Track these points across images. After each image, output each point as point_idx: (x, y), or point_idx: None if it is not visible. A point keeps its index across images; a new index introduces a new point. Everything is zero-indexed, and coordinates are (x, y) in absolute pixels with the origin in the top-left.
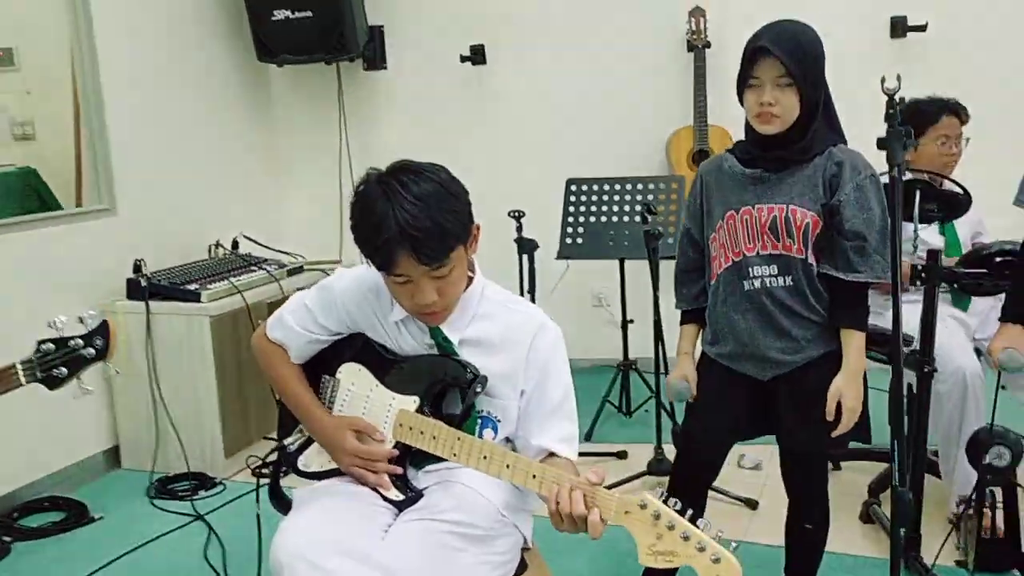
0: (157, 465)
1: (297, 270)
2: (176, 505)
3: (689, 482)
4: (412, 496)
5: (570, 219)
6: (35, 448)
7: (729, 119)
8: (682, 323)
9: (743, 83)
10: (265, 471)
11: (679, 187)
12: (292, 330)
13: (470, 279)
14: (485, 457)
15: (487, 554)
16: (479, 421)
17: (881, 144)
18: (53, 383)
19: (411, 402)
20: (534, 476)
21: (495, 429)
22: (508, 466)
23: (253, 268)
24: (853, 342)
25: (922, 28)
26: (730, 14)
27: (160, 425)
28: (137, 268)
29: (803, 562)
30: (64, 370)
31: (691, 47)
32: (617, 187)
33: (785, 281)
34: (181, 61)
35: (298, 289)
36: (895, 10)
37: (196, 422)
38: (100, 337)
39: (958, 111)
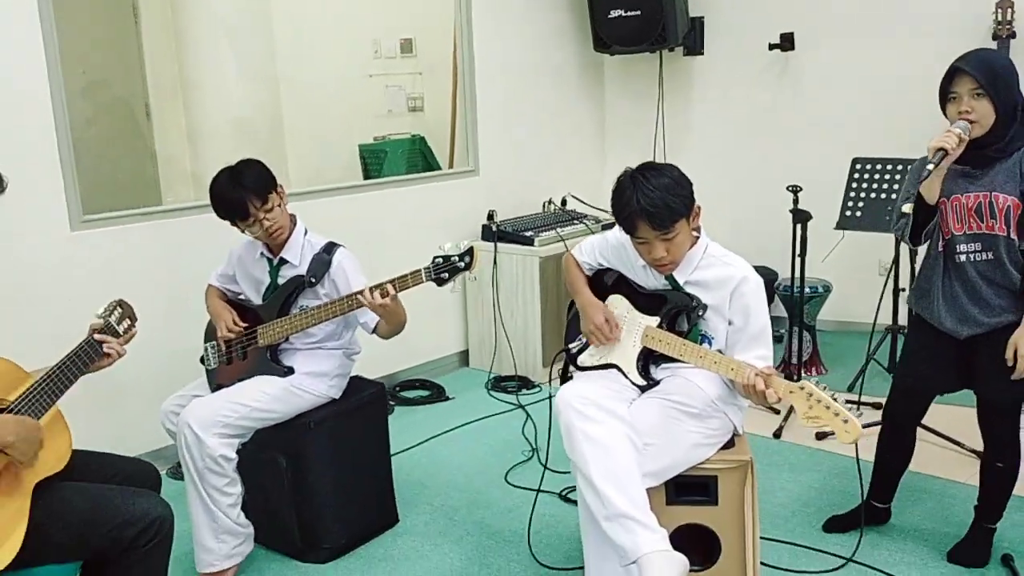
0: (494, 367)
1: (610, 225)
2: (505, 397)
3: (900, 418)
4: (651, 383)
5: (851, 194)
6: (414, 345)
7: None
8: None
9: (944, 98)
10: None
11: None
12: (585, 254)
13: (696, 240)
14: (702, 357)
15: (700, 428)
16: (700, 336)
17: None
18: (440, 282)
19: (654, 320)
20: (732, 368)
21: (710, 343)
22: (716, 362)
23: (575, 222)
24: None
25: None
26: None
27: (498, 337)
28: (490, 217)
29: (994, 497)
30: (446, 275)
31: (995, 36)
32: (900, 167)
33: (987, 256)
34: (534, 51)
35: None
36: None
37: (523, 337)
38: (468, 256)
39: None
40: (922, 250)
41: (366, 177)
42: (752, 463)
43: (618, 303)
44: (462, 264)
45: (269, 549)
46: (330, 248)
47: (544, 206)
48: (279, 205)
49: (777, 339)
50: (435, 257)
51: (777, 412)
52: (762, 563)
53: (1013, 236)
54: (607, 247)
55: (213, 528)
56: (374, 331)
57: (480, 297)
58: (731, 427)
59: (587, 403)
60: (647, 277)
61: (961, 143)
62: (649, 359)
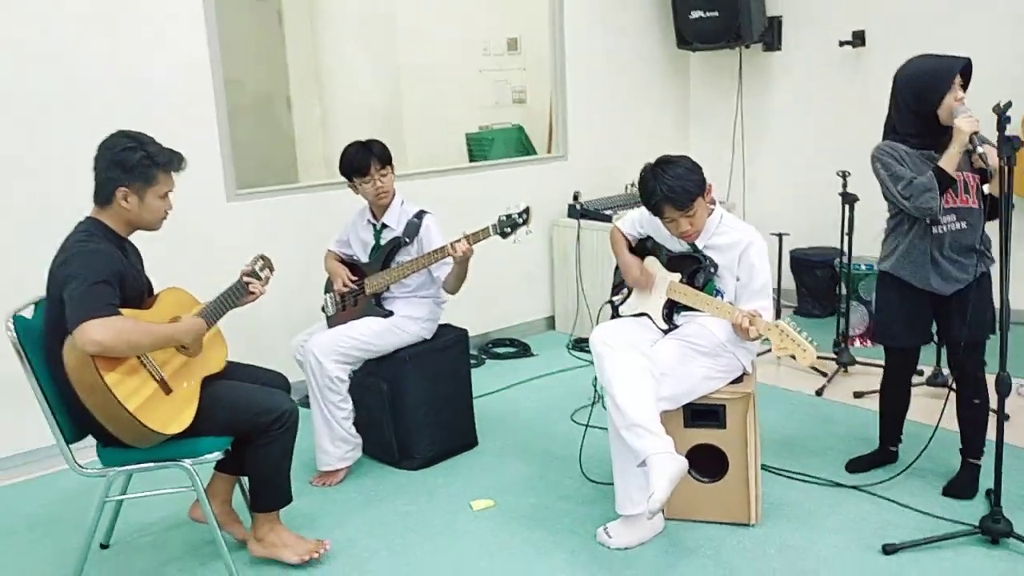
0: (575, 330)
1: None
2: (583, 355)
3: (899, 375)
4: (672, 327)
5: None
6: (507, 309)
7: None
8: None
9: (946, 90)
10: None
11: None
12: (627, 226)
13: (712, 211)
14: (708, 304)
15: (711, 364)
16: (714, 290)
17: None
18: (504, 235)
19: (678, 277)
20: (728, 312)
21: (722, 295)
22: (718, 308)
23: None
24: None
25: None
26: None
27: (580, 305)
28: (575, 197)
29: (975, 433)
30: (509, 229)
31: None
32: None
33: (961, 225)
34: (621, 48)
35: None
36: None
37: (602, 304)
38: (526, 214)
39: None
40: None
41: (471, 161)
42: (754, 396)
43: (652, 263)
44: (521, 220)
45: (373, 458)
46: (420, 215)
47: (626, 188)
48: (391, 174)
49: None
50: (500, 216)
51: (824, 374)
52: (798, 477)
53: (978, 206)
54: (644, 219)
55: (330, 435)
56: (444, 284)
57: (565, 269)
58: (740, 366)
59: (614, 338)
60: (674, 243)
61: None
62: (673, 308)
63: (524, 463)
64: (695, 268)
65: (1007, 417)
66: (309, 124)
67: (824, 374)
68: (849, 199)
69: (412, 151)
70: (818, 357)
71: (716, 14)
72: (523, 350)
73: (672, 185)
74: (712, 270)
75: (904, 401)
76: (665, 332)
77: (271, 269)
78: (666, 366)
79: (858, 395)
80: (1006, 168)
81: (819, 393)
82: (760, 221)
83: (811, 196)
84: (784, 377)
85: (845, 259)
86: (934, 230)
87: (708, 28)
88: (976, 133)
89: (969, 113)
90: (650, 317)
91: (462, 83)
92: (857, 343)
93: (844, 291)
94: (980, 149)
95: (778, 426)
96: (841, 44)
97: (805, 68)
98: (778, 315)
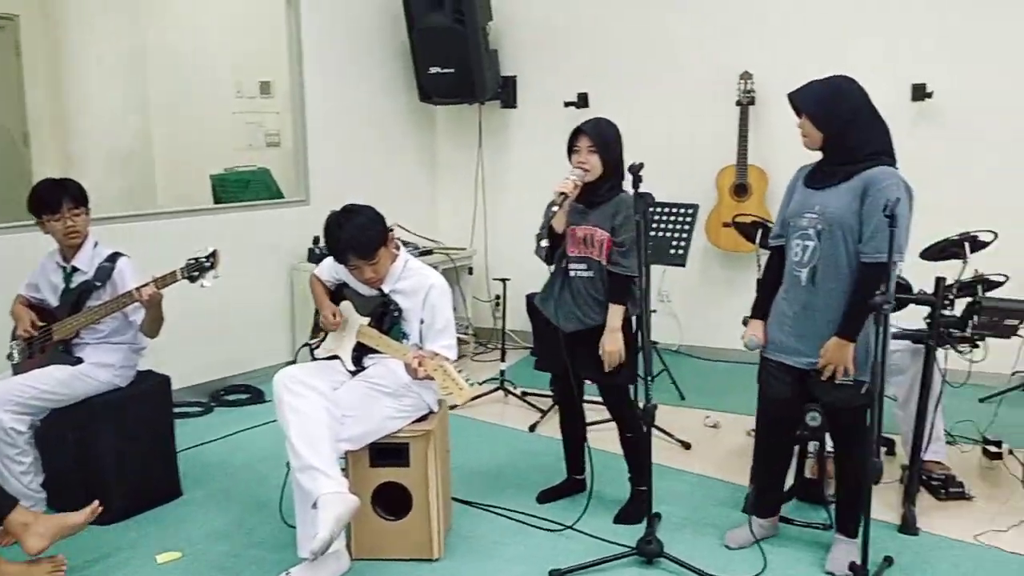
0: None
1: (427, 252)
2: None
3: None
4: (360, 369)
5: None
6: (245, 354)
7: (761, 160)
8: None
9: (569, 150)
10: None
11: (694, 213)
12: (324, 272)
13: (396, 256)
14: (388, 346)
15: (394, 404)
16: (401, 333)
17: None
18: (192, 279)
19: (366, 320)
20: (403, 354)
21: (408, 339)
22: (396, 350)
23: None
24: (615, 311)
25: (929, 95)
26: (772, 77)
27: None
28: (315, 241)
29: (633, 462)
30: (196, 273)
31: (739, 103)
32: (670, 210)
33: (589, 274)
34: (366, 99)
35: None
36: (915, 78)
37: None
38: (213, 257)
39: None
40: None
41: (216, 203)
42: (434, 433)
43: (345, 307)
44: (208, 264)
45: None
46: (114, 257)
47: None
48: (85, 214)
49: None
50: (188, 259)
51: (541, 411)
52: (490, 509)
53: (604, 262)
54: (338, 266)
55: (8, 490)
56: (141, 328)
57: (306, 313)
58: (425, 405)
59: (295, 381)
60: (365, 288)
61: (576, 187)
62: (362, 351)
63: (225, 511)
64: (382, 312)
65: (686, 445)
66: (48, 162)
67: (541, 411)
68: None
69: (163, 191)
70: (535, 394)
71: (452, 71)
72: (255, 396)
73: (354, 234)
74: (396, 313)
75: (574, 430)
76: (354, 374)
77: None
78: (350, 407)
79: (532, 428)
80: (642, 221)
81: (532, 429)
82: (501, 267)
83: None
84: (507, 414)
85: None
86: (569, 273)
87: (445, 84)
88: (563, 194)
89: (568, 177)
90: (341, 359)
91: (215, 124)
92: None
93: None
94: (554, 209)
95: (490, 460)
96: (566, 105)
97: (538, 125)
98: (503, 357)
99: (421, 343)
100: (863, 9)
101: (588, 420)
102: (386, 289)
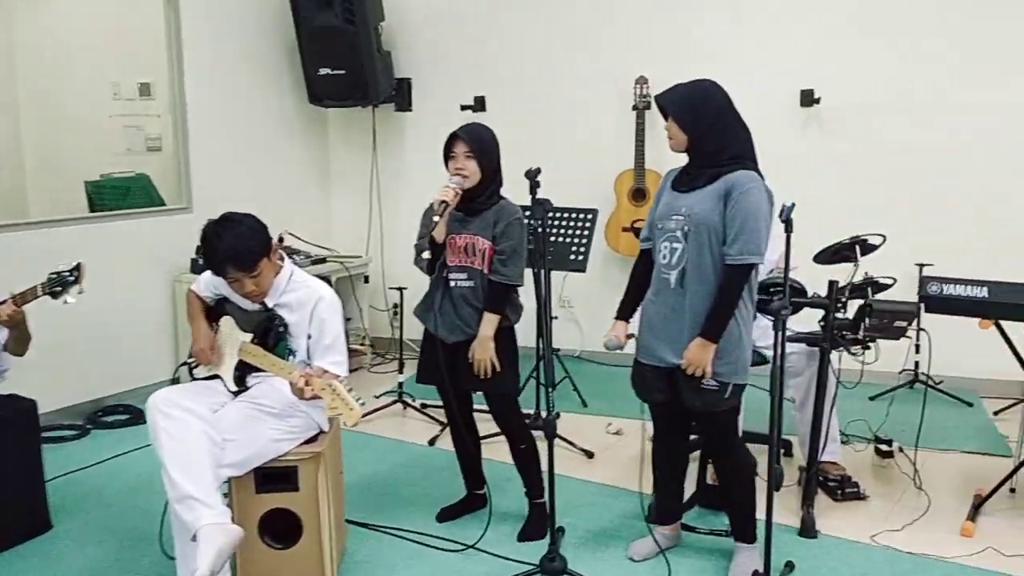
0: None
1: (320, 261)
2: None
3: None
4: (243, 389)
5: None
6: (126, 371)
7: (658, 164)
8: None
9: (446, 157)
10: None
11: (593, 217)
12: (202, 288)
13: (281, 268)
14: (273, 365)
15: (281, 425)
16: (287, 350)
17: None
18: (55, 295)
19: (249, 337)
20: (290, 372)
21: (294, 355)
22: (281, 368)
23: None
24: (489, 319)
25: (817, 100)
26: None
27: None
28: (199, 251)
29: (528, 474)
30: (59, 288)
31: (635, 107)
32: (568, 215)
33: (470, 283)
34: (252, 102)
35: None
36: (804, 83)
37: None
38: (76, 271)
39: None
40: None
41: (92, 211)
42: (324, 455)
43: (225, 323)
44: (71, 278)
45: None
46: None
47: None
48: None
49: None
50: (49, 274)
51: (442, 424)
52: (388, 531)
53: (486, 270)
54: (216, 279)
55: None
56: (5, 348)
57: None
58: (314, 425)
59: (170, 404)
60: (247, 302)
61: (457, 195)
62: (245, 370)
63: (100, 545)
64: (266, 327)
65: (589, 454)
66: None
67: (441, 423)
68: None
69: (35, 199)
70: (434, 406)
71: (343, 72)
72: (135, 416)
73: (233, 245)
74: (281, 329)
75: (465, 445)
76: (236, 394)
77: None
78: (232, 431)
79: (431, 442)
80: (541, 227)
81: (432, 443)
82: (398, 274)
83: None
84: (406, 428)
85: None
86: (449, 283)
87: (336, 85)
88: (443, 203)
89: (447, 185)
90: (222, 379)
91: (91, 127)
92: None
93: None
94: (435, 219)
95: (388, 478)
96: (463, 108)
97: (434, 129)
98: (400, 368)
99: (309, 359)
100: (755, 15)
101: (484, 433)
102: (270, 303)
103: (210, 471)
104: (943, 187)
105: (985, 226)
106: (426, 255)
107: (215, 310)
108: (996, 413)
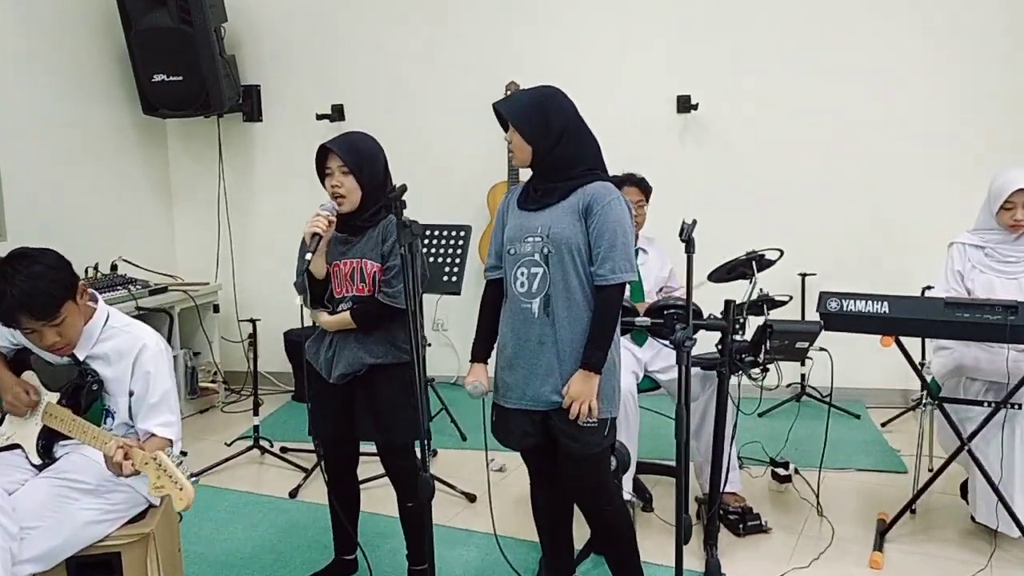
0: None
1: (161, 290)
2: None
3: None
4: (49, 462)
5: None
6: None
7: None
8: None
9: (323, 175)
10: None
11: (466, 235)
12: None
13: (94, 311)
14: (84, 432)
15: (98, 504)
16: (104, 411)
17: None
18: None
19: (55, 396)
20: (104, 443)
21: (113, 418)
22: (94, 437)
23: (118, 287)
24: None
25: (695, 107)
26: None
27: None
28: None
29: (415, 541)
30: None
31: None
32: (439, 232)
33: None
34: (76, 114)
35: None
36: (680, 90)
37: None
38: None
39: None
40: None
41: None
42: (153, 534)
43: (30, 379)
44: None
45: None
46: None
47: (87, 272)
48: None
49: None
50: None
51: (305, 471)
52: None
53: (378, 295)
54: (3, 333)
55: None
56: None
57: None
58: (142, 500)
59: None
60: (53, 354)
61: (331, 223)
62: (51, 437)
63: None
64: (76, 385)
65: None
66: None
67: (305, 470)
68: None
69: None
70: (296, 450)
71: (180, 78)
72: None
73: (25, 289)
74: (96, 387)
75: (346, 501)
76: (41, 468)
77: None
78: (34, 516)
79: (292, 494)
80: (408, 253)
81: (293, 495)
82: (252, 302)
83: None
84: (264, 478)
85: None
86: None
87: (173, 93)
88: (316, 235)
89: (318, 214)
90: (23, 449)
91: None
92: None
93: None
94: (307, 256)
95: (243, 542)
96: (319, 118)
97: (288, 140)
98: (256, 410)
99: (132, 421)
100: (632, 20)
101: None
102: (80, 355)
103: (3, 569)
104: (822, 195)
105: (866, 233)
106: (298, 301)
107: (15, 363)
108: (884, 424)
